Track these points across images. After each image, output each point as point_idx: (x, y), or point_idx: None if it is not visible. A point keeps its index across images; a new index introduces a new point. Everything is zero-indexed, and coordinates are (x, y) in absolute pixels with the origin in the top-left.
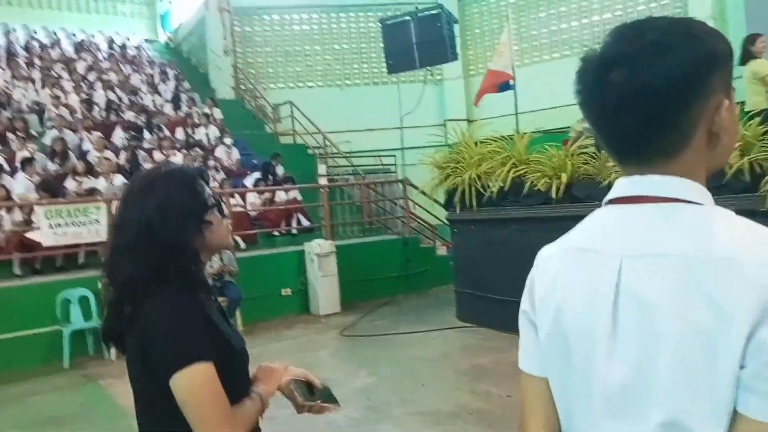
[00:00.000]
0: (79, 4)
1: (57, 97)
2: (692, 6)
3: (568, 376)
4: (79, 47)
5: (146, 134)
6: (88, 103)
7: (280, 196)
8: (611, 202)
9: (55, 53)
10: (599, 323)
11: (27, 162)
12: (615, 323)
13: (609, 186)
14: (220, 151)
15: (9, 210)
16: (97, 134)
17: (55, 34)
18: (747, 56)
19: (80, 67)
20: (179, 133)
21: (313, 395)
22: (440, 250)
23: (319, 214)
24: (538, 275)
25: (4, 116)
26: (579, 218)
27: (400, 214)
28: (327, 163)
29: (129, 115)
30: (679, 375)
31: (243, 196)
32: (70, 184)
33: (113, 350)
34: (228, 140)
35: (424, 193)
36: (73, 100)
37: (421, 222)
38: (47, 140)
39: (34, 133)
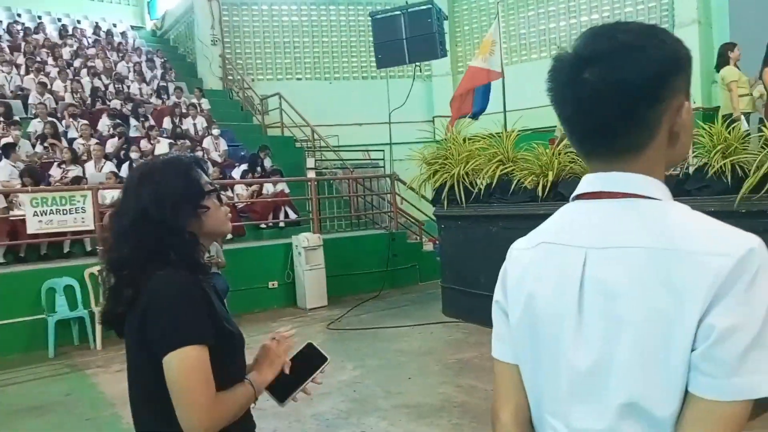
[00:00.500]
0: None
1: (43, 84)
2: (678, 9)
3: (538, 361)
4: (64, 32)
5: (132, 122)
6: (74, 90)
7: (268, 188)
8: (578, 197)
9: (39, 37)
10: (567, 310)
11: (10, 147)
12: (581, 310)
13: None
14: (207, 142)
15: None
16: (83, 122)
17: (39, 18)
18: (723, 62)
19: (65, 52)
20: (166, 123)
21: (305, 362)
22: (427, 246)
23: (307, 208)
24: (510, 266)
25: None
26: None
27: (388, 209)
28: (315, 156)
29: (115, 103)
30: (638, 358)
31: (231, 188)
32: (55, 171)
33: (98, 340)
34: (215, 131)
35: (411, 188)
36: (58, 86)
37: (409, 217)
38: (31, 127)
39: (17, 118)
